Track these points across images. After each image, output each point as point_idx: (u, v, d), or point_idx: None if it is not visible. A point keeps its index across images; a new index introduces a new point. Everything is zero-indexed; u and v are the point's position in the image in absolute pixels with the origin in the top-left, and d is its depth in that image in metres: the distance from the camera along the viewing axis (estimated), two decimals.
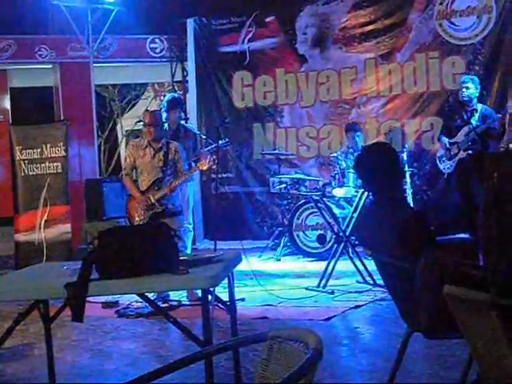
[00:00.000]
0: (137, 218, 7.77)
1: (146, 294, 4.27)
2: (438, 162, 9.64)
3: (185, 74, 13.32)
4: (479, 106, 9.23)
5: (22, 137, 10.66)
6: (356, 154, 5.20)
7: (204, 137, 10.48)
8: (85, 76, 12.80)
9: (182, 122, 9.50)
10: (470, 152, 8.90)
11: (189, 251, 8.19)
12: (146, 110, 8.36)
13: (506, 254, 3.33)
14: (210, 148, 9.28)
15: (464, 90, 9.23)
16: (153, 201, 7.69)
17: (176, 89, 13.61)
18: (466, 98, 9.24)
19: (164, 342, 6.62)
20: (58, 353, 5.36)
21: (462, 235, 4.65)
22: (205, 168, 8.09)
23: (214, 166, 8.47)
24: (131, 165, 7.89)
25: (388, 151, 4.60)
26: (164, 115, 8.62)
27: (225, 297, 4.71)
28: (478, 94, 9.37)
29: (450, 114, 9.54)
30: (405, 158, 9.70)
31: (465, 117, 9.12)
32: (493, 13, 10.51)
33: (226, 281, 4.56)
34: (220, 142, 9.08)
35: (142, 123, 8.16)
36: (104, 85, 17.06)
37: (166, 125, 8.62)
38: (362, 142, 10.34)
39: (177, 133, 8.78)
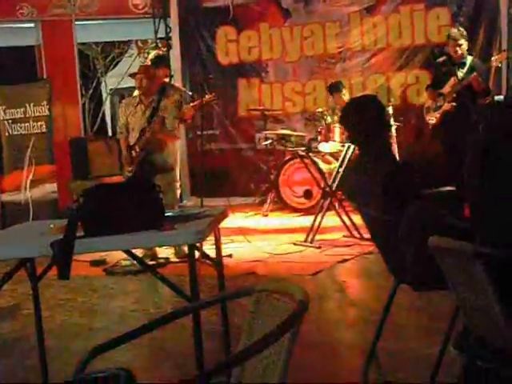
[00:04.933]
0: (126, 173, 7.82)
1: (134, 251, 4.27)
2: (424, 113, 9.62)
3: (168, 30, 13.18)
4: (468, 59, 9.14)
5: (5, 96, 10.57)
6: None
7: (190, 93, 10.41)
8: (67, 34, 12.68)
9: (167, 79, 9.45)
10: (454, 104, 8.87)
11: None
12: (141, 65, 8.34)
13: (491, 205, 3.34)
14: (194, 104, 9.25)
15: (458, 48, 9.02)
16: (137, 150, 7.73)
17: (159, 46, 13.48)
18: (460, 56, 9.05)
19: (153, 299, 6.64)
20: (46, 312, 5.37)
21: (448, 187, 4.65)
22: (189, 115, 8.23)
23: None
24: (124, 124, 7.92)
25: (374, 104, 4.58)
26: None
27: (212, 253, 4.72)
28: (467, 48, 9.27)
29: (437, 66, 9.47)
30: (390, 111, 9.69)
31: (452, 69, 9.04)
32: None
33: (213, 237, 4.56)
34: (206, 96, 9.05)
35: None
36: (87, 43, 16.91)
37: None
38: (348, 98, 10.30)
39: (163, 91, 8.72)
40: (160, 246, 7.37)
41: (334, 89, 10.60)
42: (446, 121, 8.95)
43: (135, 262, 4.76)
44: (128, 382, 2.22)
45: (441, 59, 9.29)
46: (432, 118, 9.27)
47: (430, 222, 3.89)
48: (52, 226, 4.18)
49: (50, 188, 10.44)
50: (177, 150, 8.71)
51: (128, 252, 4.17)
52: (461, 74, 8.92)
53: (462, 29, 9.30)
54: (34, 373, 4.74)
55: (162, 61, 8.92)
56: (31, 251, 3.93)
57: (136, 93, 8.19)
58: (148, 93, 7.82)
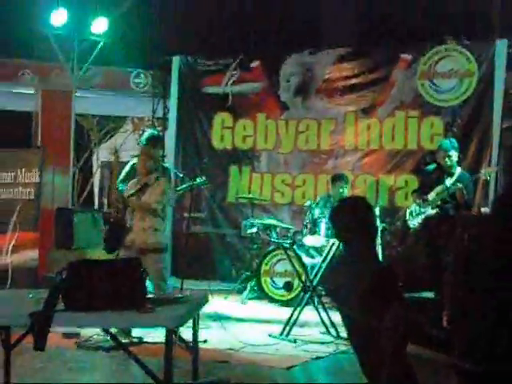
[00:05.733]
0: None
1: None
2: (407, 216, 9.71)
3: (166, 110, 13.33)
4: (457, 170, 9.27)
5: None
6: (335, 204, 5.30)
7: (181, 175, 10.50)
8: (66, 104, 12.80)
9: (161, 159, 9.52)
10: (437, 211, 8.99)
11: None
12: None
13: (469, 318, 3.36)
14: (185, 186, 9.31)
15: (447, 160, 9.18)
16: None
17: (156, 125, 13.61)
18: (449, 168, 9.20)
19: (123, 377, 6.55)
20: (16, 380, 5.29)
21: (428, 293, 4.68)
22: None
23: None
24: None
25: (363, 206, 4.63)
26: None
27: (188, 335, 4.69)
28: (458, 159, 9.38)
29: (427, 173, 9.60)
30: (377, 213, 9.76)
31: (441, 176, 9.18)
32: (474, 77, 10.69)
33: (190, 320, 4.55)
34: (197, 179, 9.12)
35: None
36: (84, 114, 17.04)
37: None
38: (346, 194, 10.30)
39: (163, 171, 8.77)
40: (138, 328, 7.28)
41: (337, 178, 10.56)
42: (428, 226, 9.04)
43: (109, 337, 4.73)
44: None
45: (431, 166, 9.44)
46: (414, 223, 9.38)
47: (408, 328, 3.89)
48: (31, 296, 4.17)
49: (32, 255, 10.38)
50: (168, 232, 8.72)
51: (104, 328, 4.15)
52: (449, 182, 9.06)
53: (453, 140, 9.46)
54: None
55: (159, 141, 8.98)
56: (8, 320, 3.91)
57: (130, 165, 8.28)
58: (148, 173, 7.91)
